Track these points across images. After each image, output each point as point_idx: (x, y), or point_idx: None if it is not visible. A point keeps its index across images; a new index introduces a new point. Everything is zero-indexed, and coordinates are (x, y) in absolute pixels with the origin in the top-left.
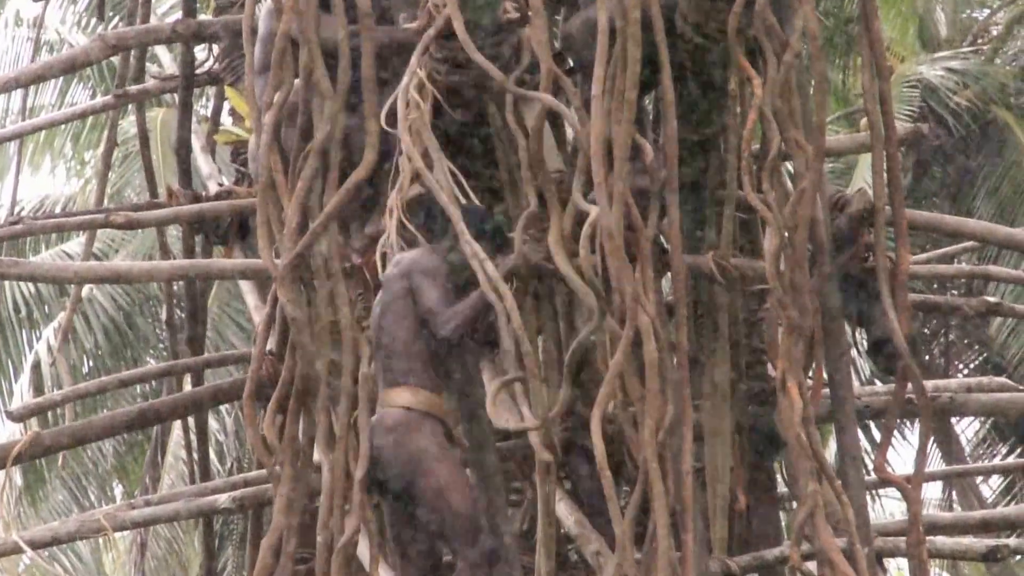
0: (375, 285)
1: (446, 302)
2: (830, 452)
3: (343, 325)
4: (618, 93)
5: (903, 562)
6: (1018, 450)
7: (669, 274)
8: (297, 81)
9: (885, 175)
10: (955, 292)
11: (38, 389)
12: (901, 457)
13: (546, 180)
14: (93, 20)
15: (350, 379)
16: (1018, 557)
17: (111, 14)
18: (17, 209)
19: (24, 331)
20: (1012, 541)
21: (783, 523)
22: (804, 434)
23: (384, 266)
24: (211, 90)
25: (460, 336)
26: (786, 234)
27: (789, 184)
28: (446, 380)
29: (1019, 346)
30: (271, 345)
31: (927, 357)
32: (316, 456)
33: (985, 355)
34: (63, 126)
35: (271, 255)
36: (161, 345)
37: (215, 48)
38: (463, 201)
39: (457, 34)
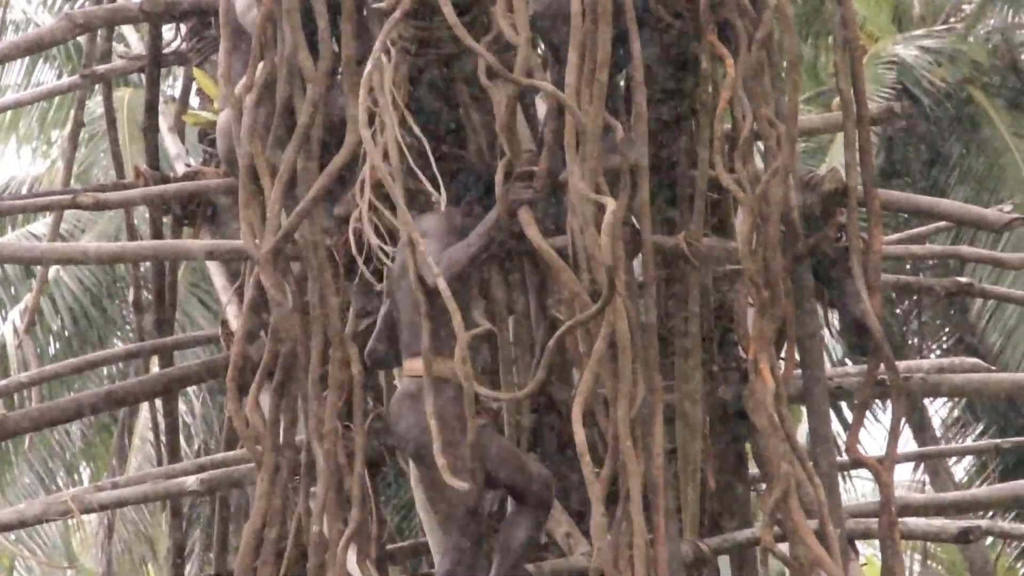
0: (346, 266)
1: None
2: (801, 433)
3: (329, 313)
4: (588, 72)
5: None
6: (991, 431)
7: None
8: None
9: (857, 154)
10: (928, 272)
11: (4, 371)
12: (874, 438)
13: (516, 156)
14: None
15: (337, 367)
16: (991, 539)
17: None
18: None
19: None
20: (985, 522)
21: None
22: (776, 415)
23: (359, 247)
24: (179, 70)
25: (457, 278)
26: (758, 214)
27: (760, 164)
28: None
29: (999, 331)
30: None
31: (901, 338)
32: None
33: (959, 335)
34: (29, 106)
35: (252, 239)
36: (129, 327)
37: (183, 28)
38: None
39: (432, 9)
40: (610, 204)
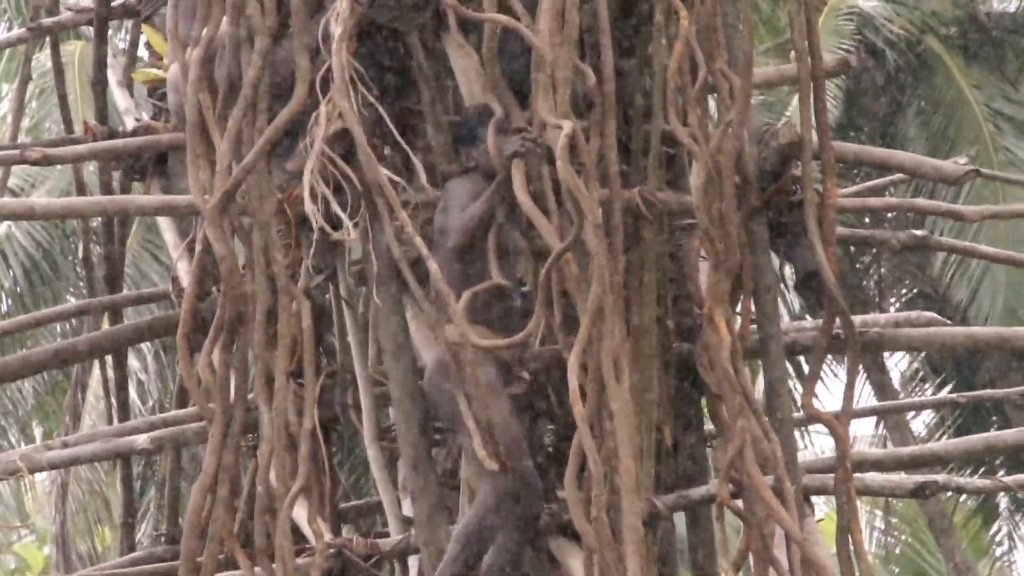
0: (298, 221)
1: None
2: (757, 389)
3: (276, 268)
4: (558, 15)
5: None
6: (950, 385)
7: None
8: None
9: (813, 107)
10: (890, 226)
11: None
12: (832, 393)
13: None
14: None
15: (286, 325)
16: (948, 494)
17: None
18: None
19: None
20: (941, 477)
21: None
22: (731, 369)
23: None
24: (128, 23)
25: (463, 247)
26: (712, 167)
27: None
28: (500, 315)
29: (965, 285)
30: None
31: (860, 292)
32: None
33: (919, 289)
34: None
35: (201, 194)
36: (81, 283)
37: None
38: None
39: None
40: (566, 125)
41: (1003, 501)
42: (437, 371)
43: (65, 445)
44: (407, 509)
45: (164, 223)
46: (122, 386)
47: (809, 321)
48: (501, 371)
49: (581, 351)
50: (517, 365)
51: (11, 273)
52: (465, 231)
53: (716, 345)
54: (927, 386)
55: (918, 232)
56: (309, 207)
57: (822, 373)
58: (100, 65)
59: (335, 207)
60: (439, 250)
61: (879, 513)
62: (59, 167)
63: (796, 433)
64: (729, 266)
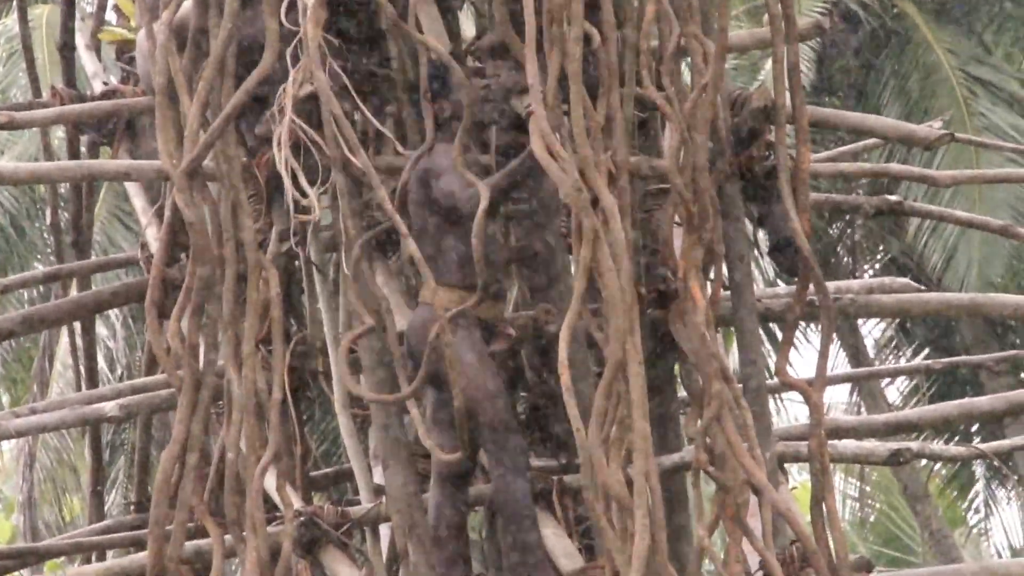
0: (266, 185)
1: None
2: (731, 356)
3: (244, 234)
4: None
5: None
6: (925, 352)
7: None
8: None
9: (786, 70)
10: (865, 192)
11: None
12: (806, 360)
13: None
14: None
15: (255, 292)
16: (923, 461)
17: None
18: None
19: None
20: (915, 444)
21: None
22: (708, 335)
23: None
24: None
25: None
26: (685, 131)
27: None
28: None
29: (939, 251)
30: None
31: (834, 258)
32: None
33: (893, 256)
34: None
35: (170, 158)
36: (49, 250)
37: None
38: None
39: None
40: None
41: (979, 469)
42: (418, 331)
43: (33, 412)
44: (378, 477)
45: (133, 189)
46: (90, 353)
47: (783, 287)
48: (484, 331)
49: (577, 314)
50: (501, 323)
51: None
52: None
53: (691, 311)
54: (901, 353)
55: (891, 197)
56: (285, 179)
57: (796, 340)
58: (68, 28)
59: (302, 180)
60: (438, 214)
61: (853, 481)
62: (26, 132)
63: (770, 400)
64: (703, 231)
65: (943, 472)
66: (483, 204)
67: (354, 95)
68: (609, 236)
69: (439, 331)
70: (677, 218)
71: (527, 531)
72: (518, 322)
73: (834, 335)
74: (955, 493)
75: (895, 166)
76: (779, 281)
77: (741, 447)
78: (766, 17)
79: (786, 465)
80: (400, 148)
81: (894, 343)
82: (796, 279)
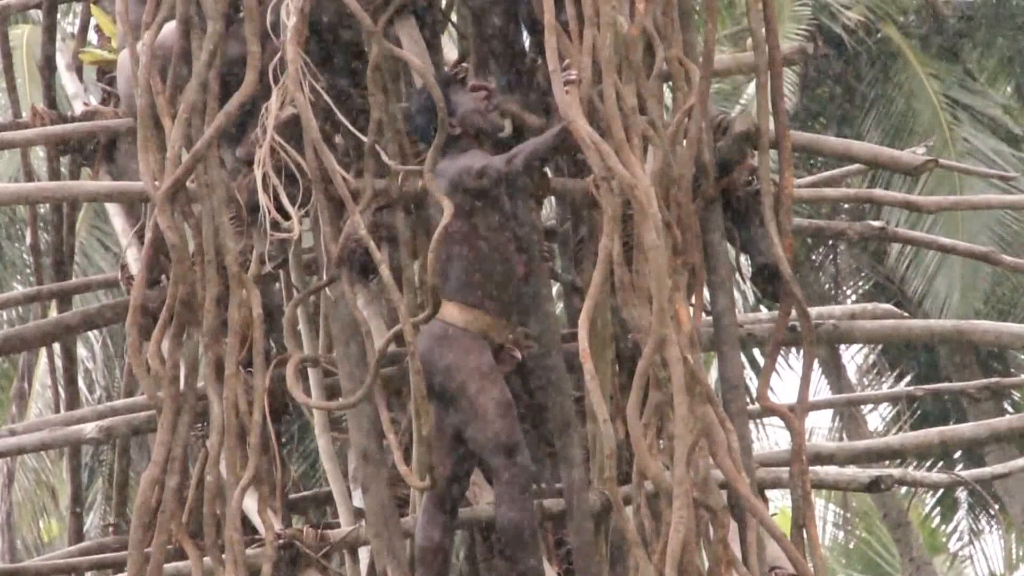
0: (248, 210)
1: (498, 159)
2: (712, 380)
3: (226, 256)
4: None
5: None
6: (908, 378)
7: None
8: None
9: (769, 95)
10: (847, 217)
11: None
12: (788, 386)
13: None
14: None
15: (236, 313)
16: (904, 489)
17: None
18: None
19: None
20: (897, 471)
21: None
22: (692, 360)
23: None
24: (77, 6)
25: (527, 169)
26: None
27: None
28: (501, 299)
29: (920, 277)
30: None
31: (817, 283)
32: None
33: (876, 281)
34: None
35: (151, 180)
36: (29, 270)
37: None
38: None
39: None
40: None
41: (962, 495)
42: (431, 347)
43: (12, 433)
44: (357, 500)
45: (113, 209)
46: (70, 374)
47: (765, 312)
48: (493, 350)
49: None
50: (509, 344)
51: None
52: (527, 161)
53: (675, 334)
54: (884, 379)
55: (875, 223)
56: (263, 199)
57: (778, 365)
58: (49, 49)
59: (284, 201)
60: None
61: (834, 507)
62: (6, 152)
63: (751, 426)
64: (687, 256)
65: (926, 499)
66: (445, 219)
67: (337, 114)
68: (647, 217)
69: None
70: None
71: (530, 557)
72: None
73: (816, 361)
74: (937, 520)
75: (879, 191)
76: (761, 306)
77: (734, 471)
78: (749, 41)
79: (767, 491)
80: (387, 159)
81: (876, 369)
82: (778, 304)
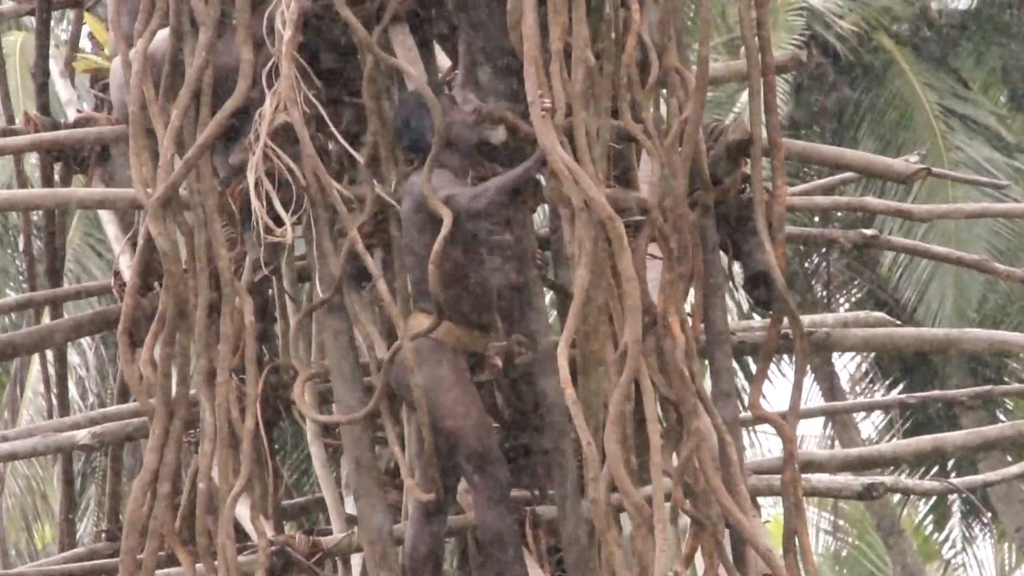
0: (241, 217)
1: (465, 191)
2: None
3: (218, 263)
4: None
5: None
6: (900, 386)
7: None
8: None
9: (762, 104)
10: (839, 225)
11: None
12: (780, 393)
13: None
14: None
15: (229, 321)
16: (897, 496)
17: None
18: None
19: None
20: (889, 479)
21: None
22: (687, 371)
23: (262, 197)
24: (70, 13)
25: (490, 208)
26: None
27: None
28: (474, 310)
29: (913, 285)
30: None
31: (809, 291)
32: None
33: (868, 289)
34: None
35: (144, 187)
36: (21, 277)
37: None
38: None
39: None
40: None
41: (956, 503)
42: (402, 365)
43: (4, 439)
44: (350, 507)
45: (106, 216)
46: (62, 381)
47: (757, 320)
48: (470, 361)
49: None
50: (488, 353)
51: None
52: (494, 198)
53: (670, 347)
54: (876, 387)
55: (868, 231)
56: (255, 205)
57: (770, 372)
58: (42, 55)
59: (277, 206)
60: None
61: (826, 515)
62: None
63: (743, 433)
64: (684, 266)
65: (919, 506)
66: (444, 231)
67: (329, 125)
68: (623, 250)
69: (407, 355)
70: (657, 251)
71: (512, 564)
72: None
73: (808, 369)
74: (931, 528)
75: (872, 200)
76: (754, 314)
77: (722, 488)
78: (743, 49)
79: (759, 498)
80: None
81: (869, 377)
82: (770, 312)
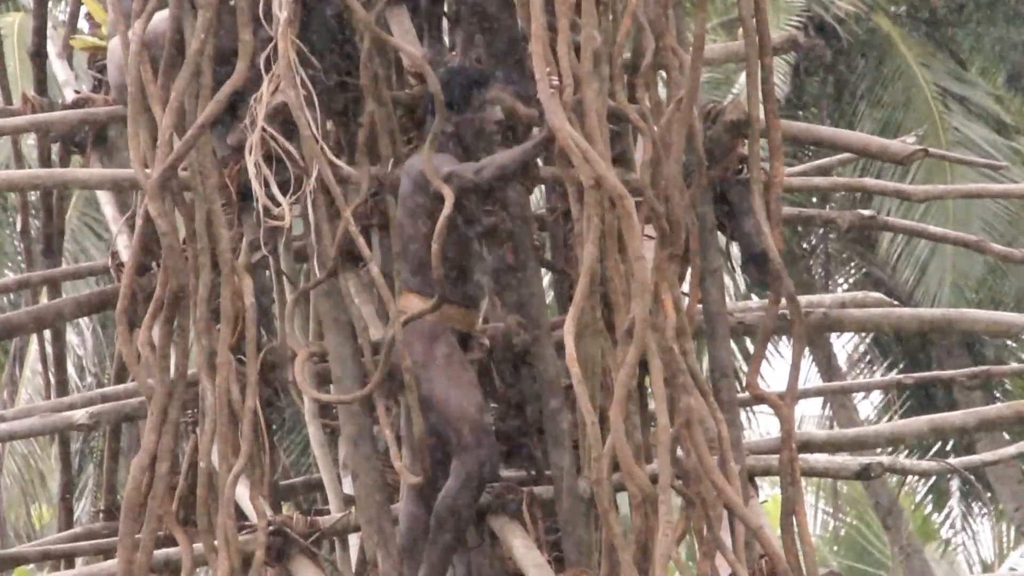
0: (239, 197)
1: (468, 165)
2: (702, 369)
3: (217, 243)
4: None
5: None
6: (899, 367)
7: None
8: None
9: (760, 85)
10: (837, 206)
11: None
12: (778, 374)
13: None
14: None
15: (228, 301)
16: (895, 478)
17: None
18: None
19: None
20: (886, 459)
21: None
22: (677, 349)
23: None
24: None
25: (494, 183)
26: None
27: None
28: (463, 288)
29: (912, 266)
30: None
31: (807, 272)
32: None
33: (866, 270)
34: None
35: (142, 168)
36: (19, 257)
37: None
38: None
39: None
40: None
41: (954, 483)
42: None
43: (2, 419)
44: (348, 487)
45: (104, 197)
46: (60, 361)
47: (755, 301)
48: (460, 341)
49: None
50: (476, 332)
51: None
52: (498, 173)
53: (662, 325)
54: (875, 368)
55: (865, 212)
56: (255, 187)
57: (768, 353)
58: (40, 36)
59: (275, 189)
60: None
61: (824, 495)
62: None
63: (741, 413)
64: (675, 246)
65: (918, 487)
66: (447, 210)
67: (327, 105)
68: (631, 225)
69: (397, 336)
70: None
71: (446, 548)
72: (489, 334)
73: (806, 349)
74: (929, 507)
75: (869, 180)
76: (752, 295)
77: (711, 463)
78: (741, 30)
79: (757, 478)
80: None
81: (868, 358)
82: (768, 292)
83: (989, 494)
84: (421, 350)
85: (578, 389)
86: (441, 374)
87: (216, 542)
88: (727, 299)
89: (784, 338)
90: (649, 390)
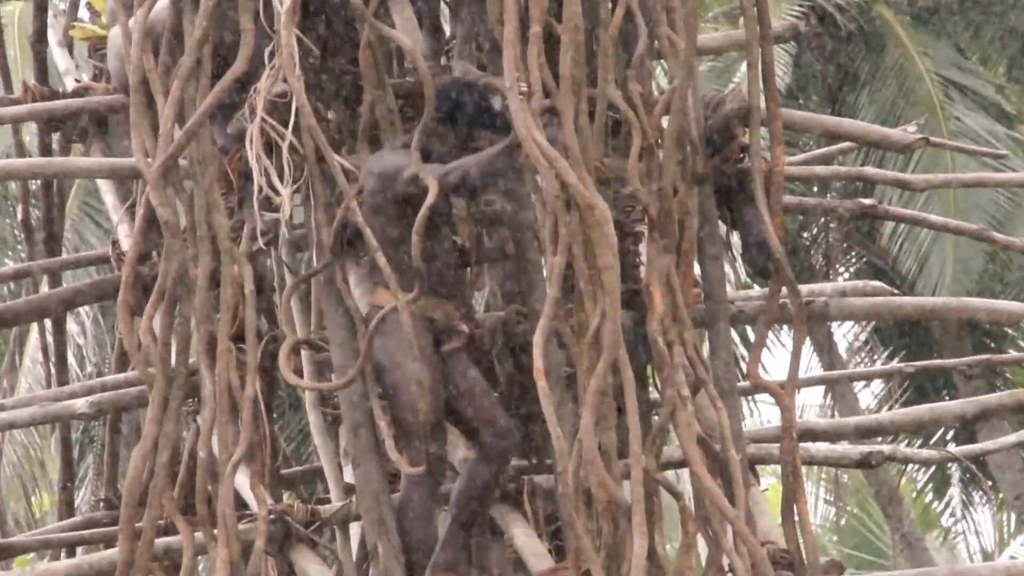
0: (239, 185)
1: (436, 168)
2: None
3: (217, 232)
4: None
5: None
6: (899, 356)
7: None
8: None
9: (761, 73)
10: (839, 196)
11: None
12: (779, 362)
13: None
14: None
15: (228, 290)
16: (896, 467)
17: None
18: None
19: None
20: (887, 448)
21: None
22: (661, 340)
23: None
24: None
25: (461, 185)
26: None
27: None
28: (436, 280)
29: (913, 256)
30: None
31: (808, 261)
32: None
33: (867, 259)
34: None
35: (144, 156)
36: (20, 246)
37: None
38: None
39: None
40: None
41: (955, 472)
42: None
43: (2, 408)
44: (348, 476)
45: (104, 186)
46: (61, 350)
47: (756, 290)
48: (435, 330)
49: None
50: (453, 321)
51: None
52: (480, 169)
53: (656, 313)
54: (876, 356)
55: (866, 201)
56: (256, 177)
57: (769, 342)
58: (40, 25)
59: (275, 178)
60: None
61: (825, 484)
62: None
63: (742, 402)
64: (667, 238)
65: (918, 475)
66: (430, 199)
67: (327, 94)
68: (601, 235)
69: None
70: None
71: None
72: (488, 323)
73: (807, 338)
74: (930, 496)
75: (870, 169)
76: (753, 284)
77: (696, 456)
78: (742, 19)
79: (758, 467)
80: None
81: (868, 347)
82: (769, 281)
83: (990, 483)
84: (385, 340)
85: (544, 403)
86: (401, 365)
87: (216, 531)
88: (728, 288)
89: (784, 327)
90: (651, 386)
